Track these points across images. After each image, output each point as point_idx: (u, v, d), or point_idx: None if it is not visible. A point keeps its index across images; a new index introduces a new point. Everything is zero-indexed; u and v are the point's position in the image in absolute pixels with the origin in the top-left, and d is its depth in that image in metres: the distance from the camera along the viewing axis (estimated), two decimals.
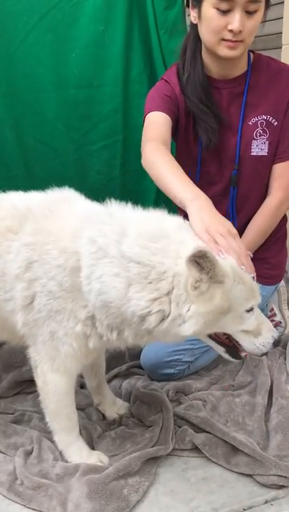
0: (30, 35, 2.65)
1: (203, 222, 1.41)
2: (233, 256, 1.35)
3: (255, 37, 3.35)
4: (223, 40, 1.78)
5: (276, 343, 1.48)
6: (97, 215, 1.46)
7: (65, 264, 1.44)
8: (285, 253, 2.22)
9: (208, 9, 1.76)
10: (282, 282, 2.37)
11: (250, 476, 1.60)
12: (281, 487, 1.55)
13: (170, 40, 2.71)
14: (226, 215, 2.02)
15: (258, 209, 2.01)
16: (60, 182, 2.30)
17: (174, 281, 1.32)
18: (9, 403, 1.97)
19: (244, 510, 1.50)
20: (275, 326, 2.25)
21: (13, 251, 1.53)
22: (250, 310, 1.40)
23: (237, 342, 1.46)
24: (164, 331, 1.36)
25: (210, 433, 1.72)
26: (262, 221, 1.99)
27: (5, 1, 2.57)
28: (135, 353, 2.15)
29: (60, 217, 1.51)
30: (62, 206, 1.55)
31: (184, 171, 2.06)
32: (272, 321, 2.31)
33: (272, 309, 2.31)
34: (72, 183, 2.53)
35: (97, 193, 1.68)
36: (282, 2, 3.07)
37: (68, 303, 1.46)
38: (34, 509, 1.51)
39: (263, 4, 1.77)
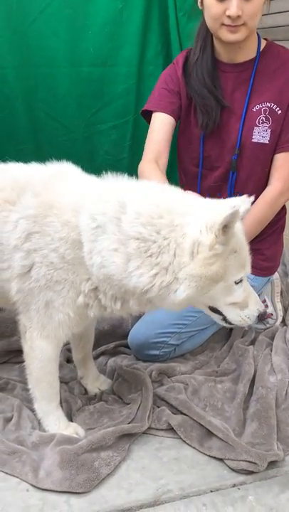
0: (47, 8, 2.64)
1: None
2: None
3: (275, 27, 3.32)
4: (224, 25, 1.80)
5: (260, 317, 1.52)
6: (96, 192, 1.50)
7: (67, 237, 1.48)
8: (280, 246, 2.21)
9: None
10: (277, 275, 2.37)
11: (221, 460, 1.62)
12: (250, 473, 1.57)
13: (188, 23, 2.68)
14: None
15: (256, 198, 2.00)
16: (68, 159, 2.31)
17: (176, 252, 1.36)
18: None
19: (211, 491, 1.53)
20: (266, 318, 2.27)
21: (11, 222, 1.56)
22: (240, 281, 1.44)
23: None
24: (161, 298, 1.41)
25: (187, 415, 1.74)
26: (259, 211, 1.98)
27: None
28: (124, 333, 2.18)
29: (61, 192, 1.54)
30: (62, 180, 1.57)
31: (186, 156, 2.09)
32: None
33: (265, 301, 2.31)
34: (80, 161, 2.53)
35: (104, 173, 1.68)
36: None
37: (70, 274, 1.50)
38: (6, 473, 1.55)
39: None
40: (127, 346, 2.15)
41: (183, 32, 2.70)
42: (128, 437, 1.66)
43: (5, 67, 2.69)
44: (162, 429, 1.73)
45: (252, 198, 1.46)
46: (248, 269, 1.47)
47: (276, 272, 2.32)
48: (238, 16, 1.75)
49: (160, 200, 1.43)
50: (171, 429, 1.73)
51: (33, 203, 1.53)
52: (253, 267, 2.06)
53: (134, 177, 1.62)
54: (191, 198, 1.48)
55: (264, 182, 2.01)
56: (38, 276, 1.52)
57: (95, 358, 2.11)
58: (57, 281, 1.51)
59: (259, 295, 2.25)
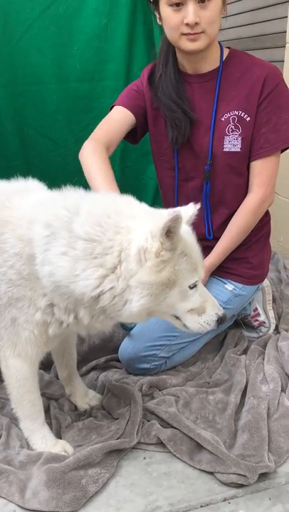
0: (32, 26, 2.67)
1: None
2: None
3: (263, 35, 3.33)
4: (183, 34, 1.79)
5: (220, 321, 1.49)
6: (51, 201, 1.48)
7: (21, 252, 1.46)
8: (267, 253, 2.18)
9: (164, 8, 1.79)
10: (267, 282, 2.35)
11: (211, 473, 1.59)
12: (240, 486, 1.54)
13: None
14: (201, 212, 2.02)
15: (234, 208, 1.99)
16: (59, 174, 2.32)
17: (121, 256, 1.33)
18: None
19: (201, 506, 1.49)
20: (258, 326, 2.25)
21: None
22: (194, 286, 1.42)
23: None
24: (116, 309, 1.38)
25: (177, 429, 1.71)
26: (242, 219, 1.96)
27: None
28: (114, 347, 2.16)
29: (18, 207, 1.52)
30: (21, 196, 1.56)
31: (162, 166, 2.08)
32: (255, 321, 2.29)
33: (256, 309, 2.28)
34: (71, 175, 2.55)
35: None
36: (287, 1, 3.05)
37: (27, 291, 1.48)
38: None
39: None
40: (118, 360, 2.12)
41: None
42: (117, 453, 1.64)
43: None
44: (152, 444, 1.70)
45: (198, 206, 1.47)
46: (202, 273, 1.45)
47: (266, 279, 2.30)
48: (196, 23, 1.75)
49: (110, 201, 1.43)
50: (160, 443, 1.69)
51: None
52: (241, 276, 2.07)
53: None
54: (142, 205, 1.47)
55: (243, 190, 1.99)
56: (0, 294, 1.50)
57: (86, 373, 2.09)
58: (18, 298, 1.49)
59: (250, 304, 2.25)
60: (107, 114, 2.77)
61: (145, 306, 1.35)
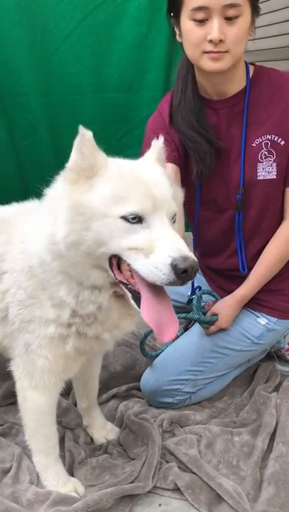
0: (71, 35, 2.62)
1: None
2: None
3: (279, 48, 3.14)
4: (205, 52, 1.61)
5: (179, 268, 1.13)
6: None
7: (23, 267, 1.41)
8: None
9: (186, 22, 1.62)
10: None
11: None
12: None
13: None
14: (234, 244, 1.88)
15: (271, 235, 1.84)
16: None
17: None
18: (2, 413, 1.93)
19: None
20: None
21: None
22: (135, 222, 1.20)
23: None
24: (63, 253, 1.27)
25: (196, 474, 1.59)
26: (276, 249, 1.81)
27: (48, 0, 2.53)
28: (137, 374, 2.05)
29: (24, 223, 1.47)
30: (29, 214, 1.49)
31: (191, 202, 1.91)
32: None
33: None
34: None
35: None
36: None
37: (36, 310, 1.41)
38: None
39: (246, 9, 1.58)
40: (139, 389, 2.01)
41: None
42: (129, 498, 1.52)
43: (29, 95, 2.69)
44: (169, 489, 1.58)
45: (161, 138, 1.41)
46: (146, 204, 1.20)
47: None
48: (221, 41, 1.57)
49: None
50: (178, 489, 1.57)
51: (3, 242, 1.49)
52: (275, 309, 1.92)
53: None
54: None
55: (278, 218, 1.84)
56: (13, 318, 1.44)
57: (106, 401, 1.99)
58: (29, 321, 1.42)
59: (284, 336, 2.09)
60: (143, 125, 2.66)
61: (69, 239, 1.21)
